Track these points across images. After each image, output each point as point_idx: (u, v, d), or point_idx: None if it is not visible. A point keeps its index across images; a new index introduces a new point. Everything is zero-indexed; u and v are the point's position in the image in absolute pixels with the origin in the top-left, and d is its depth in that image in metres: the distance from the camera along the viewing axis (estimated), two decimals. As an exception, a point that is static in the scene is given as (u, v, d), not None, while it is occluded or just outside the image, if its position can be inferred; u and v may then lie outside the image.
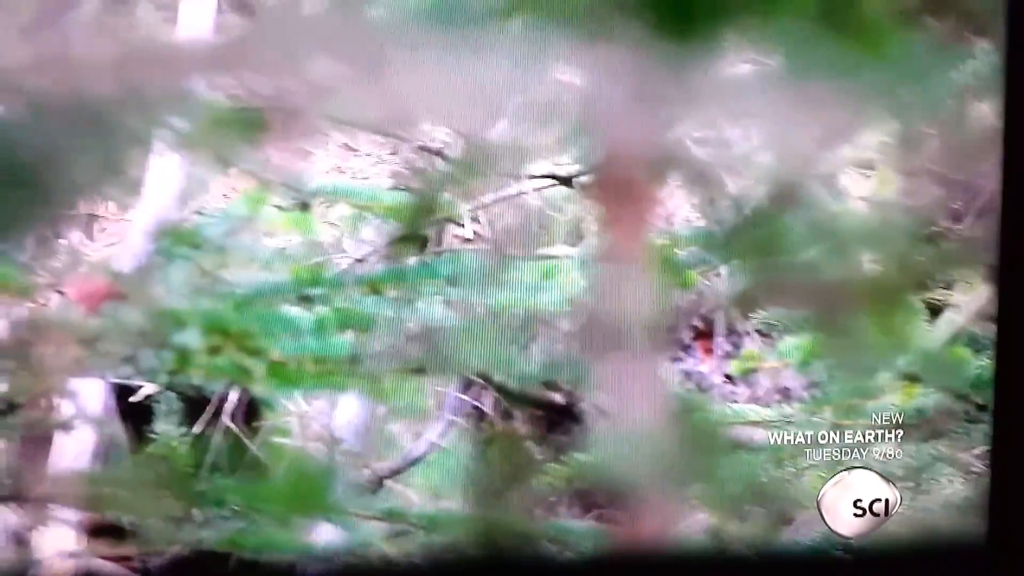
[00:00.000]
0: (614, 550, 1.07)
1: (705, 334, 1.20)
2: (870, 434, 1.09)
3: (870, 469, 1.09)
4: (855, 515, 1.11)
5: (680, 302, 1.00)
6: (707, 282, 1.05)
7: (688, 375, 1.20)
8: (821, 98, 0.78)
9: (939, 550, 1.09)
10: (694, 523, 1.09)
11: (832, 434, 1.08)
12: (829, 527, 1.11)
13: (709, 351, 1.20)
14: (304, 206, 1.09)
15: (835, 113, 0.79)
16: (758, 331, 1.15)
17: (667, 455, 0.98)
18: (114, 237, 1.10)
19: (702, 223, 1.01)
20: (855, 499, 1.11)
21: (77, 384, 1.06)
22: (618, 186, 0.80)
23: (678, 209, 1.01)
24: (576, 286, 1.01)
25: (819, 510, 1.11)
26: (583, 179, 1.02)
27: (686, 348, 1.20)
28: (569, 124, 0.86)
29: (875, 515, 1.11)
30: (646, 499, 1.02)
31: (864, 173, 1.03)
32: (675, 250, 0.99)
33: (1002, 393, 0.98)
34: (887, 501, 1.11)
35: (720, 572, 1.07)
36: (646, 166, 0.81)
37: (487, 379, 1.19)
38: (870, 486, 1.11)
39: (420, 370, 1.08)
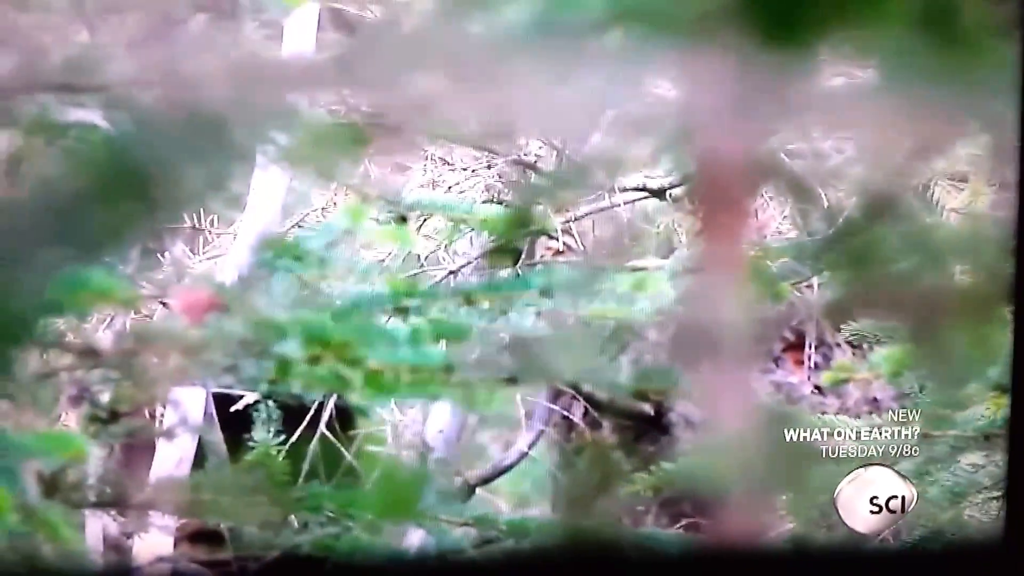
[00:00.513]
0: (700, 558, 1.07)
1: (796, 346, 1.19)
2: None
3: (887, 466, 1.07)
4: (871, 512, 1.10)
5: (772, 314, 1.00)
6: (798, 294, 1.05)
7: (778, 386, 1.19)
8: (915, 110, 0.78)
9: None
10: (781, 532, 1.09)
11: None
12: (845, 524, 1.11)
13: (800, 363, 1.19)
14: (402, 219, 1.10)
15: (929, 125, 0.79)
16: (848, 343, 1.15)
17: (756, 465, 0.97)
18: (217, 250, 1.13)
19: (794, 235, 1.01)
20: (871, 496, 1.10)
21: (179, 393, 1.09)
22: (711, 197, 0.80)
23: (771, 221, 1.01)
24: (667, 297, 1.02)
25: (835, 507, 1.10)
26: (675, 191, 1.03)
27: (776, 360, 1.20)
28: (662, 137, 0.87)
29: (891, 512, 1.10)
30: (733, 509, 1.02)
31: (956, 185, 1.02)
32: (767, 262, 0.99)
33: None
34: (903, 498, 1.10)
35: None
36: (740, 178, 0.81)
37: (577, 389, 1.20)
38: (887, 483, 1.10)
39: (512, 380, 1.09)
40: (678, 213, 1.05)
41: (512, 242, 1.12)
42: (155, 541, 1.14)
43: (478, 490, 1.29)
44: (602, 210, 1.07)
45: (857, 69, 0.81)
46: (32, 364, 0.99)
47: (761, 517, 0.97)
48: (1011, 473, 1.00)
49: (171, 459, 1.13)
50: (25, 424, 1.01)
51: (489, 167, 1.09)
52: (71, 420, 1.09)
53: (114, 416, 1.08)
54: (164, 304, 1.06)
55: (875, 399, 1.18)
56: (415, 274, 1.11)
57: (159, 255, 1.11)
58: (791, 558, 1.03)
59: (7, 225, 0.92)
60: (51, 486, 1.06)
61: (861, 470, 1.08)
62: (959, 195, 1.02)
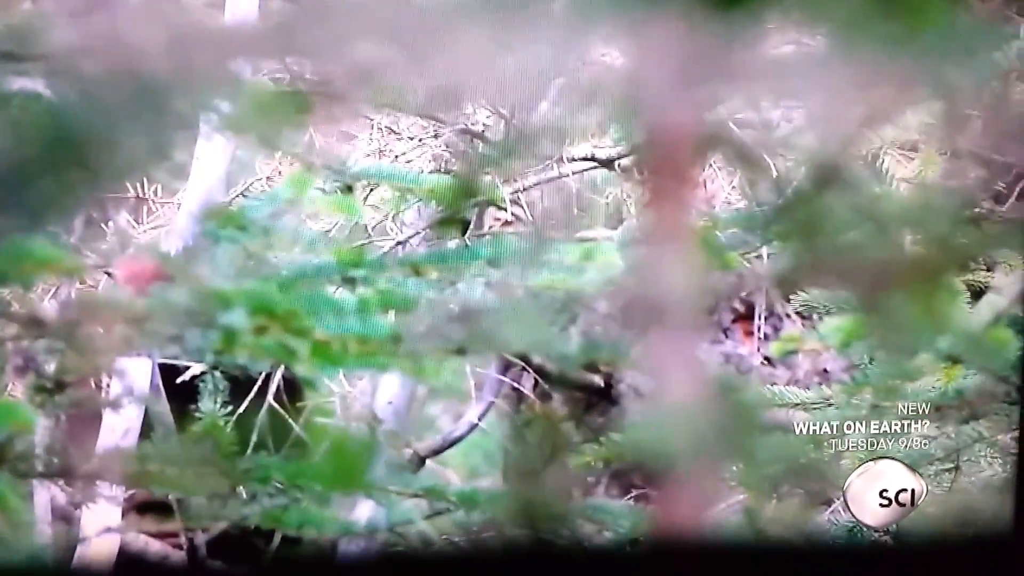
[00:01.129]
0: (651, 530, 1.06)
1: (745, 316, 1.18)
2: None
3: (896, 459, 1.07)
4: (881, 505, 1.10)
5: (720, 284, 0.99)
6: (747, 264, 1.03)
7: (727, 357, 1.18)
8: (864, 79, 0.76)
9: (973, 530, 1.07)
10: (731, 504, 1.08)
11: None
12: (855, 517, 1.10)
13: (749, 333, 1.18)
14: (348, 189, 1.08)
15: (878, 94, 0.78)
16: (798, 313, 1.14)
17: (706, 436, 0.96)
18: (161, 219, 1.10)
19: (743, 205, 0.99)
20: (881, 489, 1.10)
21: (125, 363, 1.06)
22: (659, 167, 0.78)
23: (719, 191, 0.99)
24: (616, 268, 1.00)
25: (844, 500, 1.09)
26: (623, 161, 1.01)
27: (726, 331, 1.18)
28: (610, 106, 0.85)
29: (901, 505, 1.10)
30: (684, 480, 1.01)
31: (907, 155, 1.01)
32: (716, 232, 0.97)
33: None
34: (913, 491, 1.09)
35: (756, 554, 1.06)
36: (688, 147, 0.79)
37: (526, 361, 1.18)
38: (896, 476, 1.10)
39: (461, 351, 1.07)
40: (627, 183, 1.04)
41: (460, 213, 1.09)
42: (103, 512, 1.12)
43: (428, 462, 1.27)
44: (550, 180, 1.05)
45: (806, 36, 0.79)
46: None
47: (710, 488, 0.96)
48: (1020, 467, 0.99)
49: (118, 430, 1.10)
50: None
51: (436, 136, 1.06)
52: (17, 390, 1.06)
53: (60, 386, 1.05)
54: (108, 274, 1.03)
55: (825, 370, 1.17)
56: (362, 245, 1.08)
57: (103, 225, 1.08)
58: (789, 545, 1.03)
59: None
60: (-2, 456, 1.04)
61: (871, 463, 1.07)
62: (909, 164, 1.01)
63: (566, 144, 1.01)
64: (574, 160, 1.03)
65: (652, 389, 0.98)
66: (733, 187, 0.97)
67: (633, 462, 1.12)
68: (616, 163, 1.02)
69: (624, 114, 0.84)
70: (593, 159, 1.03)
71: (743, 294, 1.10)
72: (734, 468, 1.02)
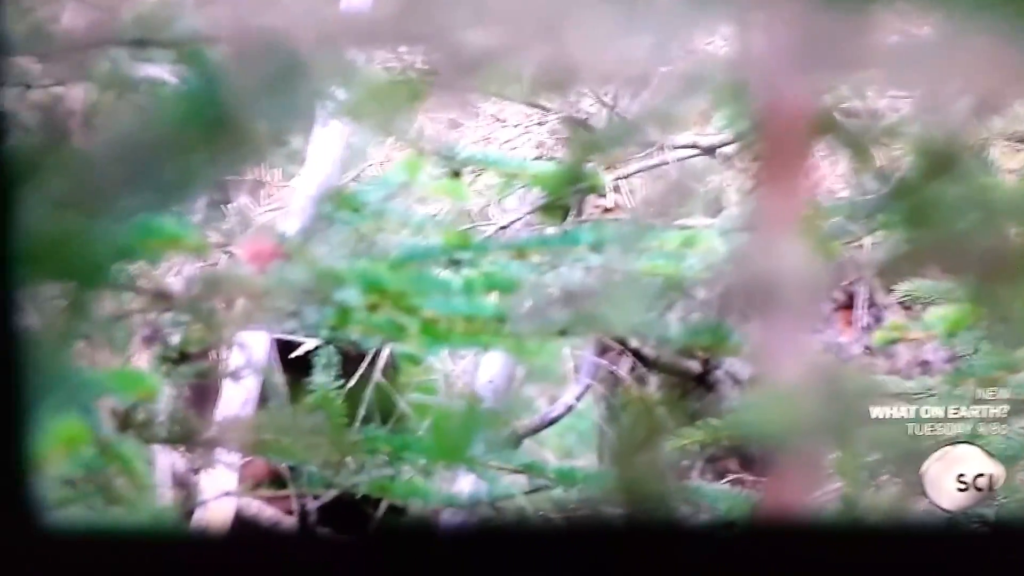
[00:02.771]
0: (749, 514, 1.04)
1: (846, 306, 1.15)
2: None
3: (974, 444, 1.04)
4: (959, 490, 1.07)
5: (822, 273, 0.96)
6: (850, 254, 1.01)
7: (828, 347, 1.15)
8: (974, 69, 0.74)
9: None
10: (829, 491, 1.06)
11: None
12: (932, 501, 1.07)
13: (850, 323, 1.15)
14: (455, 174, 1.08)
15: (988, 85, 0.75)
16: (900, 303, 1.10)
17: (804, 423, 0.94)
18: (278, 202, 1.11)
19: (846, 194, 0.96)
20: (959, 474, 1.07)
21: (245, 336, 1.07)
22: (770, 153, 0.76)
23: (824, 179, 0.97)
24: (716, 255, 0.98)
25: (922, 484, 1.06)
26: (726, 149, 0.99)
27: (827, 320, 1.16)
28: (715, 94, 0.83)
29: (979, 490, 1.07)
30: (781, 466, 0.98)
31: (1014, 146, 0.97)
32: (819, 220, 0.95)
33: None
34: (991, 476, 1.06)
35: (852, 540, 1.03)
36: (800, 133, 0.76)
37: (624, 344, 1.17)
38: (974, 461, 1.07)
39: (562, 333, 1.06)
40: (728, 171, 1.02)
41: (562, 199, 1.08)
42: (220, 477, 1.13)
43: (525, 440, 1.27)
44: (652, 168, 1.04)
45: (915, 25, 0.76)
46: (107, 306, 0.98)
47: (813, 474, 0.93)
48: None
49: (236, 399, 1.12)
50: (100, 363, 1.00)
51: (541, 124, 1.05)
52: (142, 360, 1.08)
53: (183, 357, 1.07)
54: (229, 253, 1.04)
55: (926, 361, 1.14)
56: (468, 228, 1.08)
57: (225, 206, 1.09)
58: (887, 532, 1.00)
59: (84, 175, 0.91)
60: (124, 422, 1.06)
61: (949, 447, 1.04)
62: (1017, 156, 0.98)
63: (669, 132, 0.99)
64: (676, 148, 1.02)
65: (749, 375, 0.96)
66: (838, 175, 0.94)
67: (731, 447, 1.10)
68: (719, 151, 1.00)
69: (731, 101, 0.82)
70: (695, 147, 1.01)
71: (845, 283, 1.07)
72: (834, 456, 1.00)
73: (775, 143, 0.73)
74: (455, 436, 1.14)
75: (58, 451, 0.96)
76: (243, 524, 1.22)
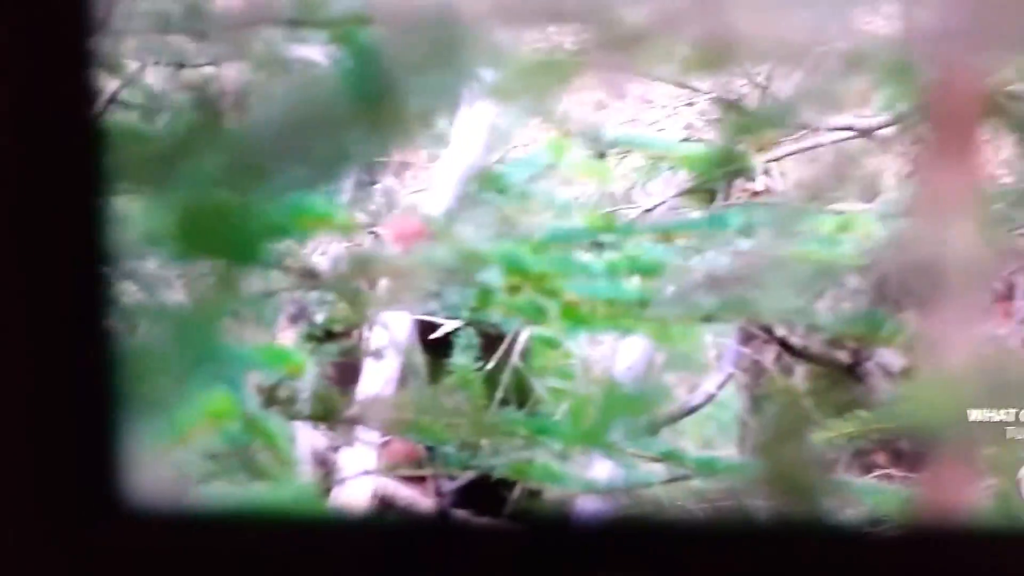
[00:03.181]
0: (902, 509, 1.01)
1: (1005, 297, 1.12)
2: None
3: None
4: None
5: (982, 262, 0.93)
6: (1012, 242, 0.97)
7: (985, 339, 1.12)
8: None
9: None
10: (982, 489, 1.03)
11: None
12: None
13: (1009, 314, 1.12)
14: (600, 156, 1.08)
15: None
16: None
17: (957, 418, 0.91)
18: (424, 183, 1.12)
19: (1010, 179, 0.93)
20: None
21: (388, 316, 1.09)
22: (928, 138, 0.74)
23: (986, 164, 0.94)
24: (871, 241, 0.96)
25: (1019, 490, 1.03)
26: (884, 132, 0.97)
27: (985, 311, 1.12)
28: (877, 74, 0.81)
29: None
30: (935, 461, 0.96)
31: None
32: (981, 207, 0.92)
33: None
34: None
35: (1005, 540, 1.00)
36: (961, 118, 0.75)
37: (770, 332, 1.16)
38: None
39: (707, 318, 1.05)
40: (886, 154, 0.99)
41: (709, 182, 1.08)
42: (360, 456, 1.16)
43: (663, 429, 1.26)
44: (804, 150, 1.02)
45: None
46: (256, 284, 1.01)
47: (972, 469, 0.91)
48: None
49: (378, 379, 1.14)
50: (249, 339, 1.03)
51: (690, 105, 1.05)
52: (287, 338, 1.11)
53: (328, 335, 1.09)
54: (375, 233, 1.06)
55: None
56: (612, 211, 1.08)
57: (371, 187, 1.12)
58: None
59: (237, 155, 0.94)
60: (269, 398, 1.09)
61: None
62: None
63: (825, 113, 0.97)
64: (832, 129, 1.00)
65: (911, 365, 0.94)
66: (1001, 161, 0.91)
67: (880, 440, 1.08)
68: (876, 133, 0.98)
69: (894, 81, 0.80)
70: (852, 129, 0.99)
71: (1006, 273, 1.03)
72: (987, 452, 0.97)
73: (941, 125, 0.72)
74: (593, 421, 1.14)
75: (205, 425, 0.99)
76: (382, 502, 1.25)
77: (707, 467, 1.14)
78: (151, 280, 1.03)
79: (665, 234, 1.04)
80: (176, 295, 1.04)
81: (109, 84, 1.08)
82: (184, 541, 0.79)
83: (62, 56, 0.71)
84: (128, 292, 1.06)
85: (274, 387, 1.10)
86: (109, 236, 0.79)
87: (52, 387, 0.75)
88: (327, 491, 1.18)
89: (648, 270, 1.03)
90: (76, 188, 0.78)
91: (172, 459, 0.96)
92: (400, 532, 0.84)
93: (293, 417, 1.12)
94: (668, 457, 1.15)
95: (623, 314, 1.04)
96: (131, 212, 0.97)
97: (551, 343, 1.25)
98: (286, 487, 1.09)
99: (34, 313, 0.75)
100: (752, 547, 0.84)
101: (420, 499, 1.23)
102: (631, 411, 1.18)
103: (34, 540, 0.77)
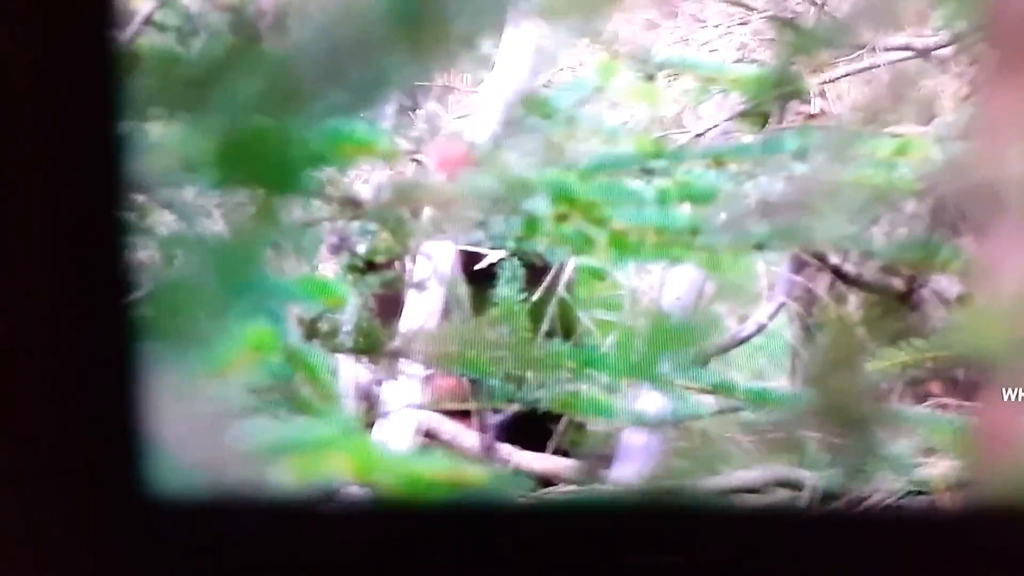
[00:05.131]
0: (956, 441, 1.04)
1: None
2: None
3: None
4: None
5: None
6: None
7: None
8: None
9: None
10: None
11: None
12: None
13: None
14: (651, 78, 1.10)
15: None
16: None
17: (1013, 345, 0.94)
18: (467, 108, 1.15)
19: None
20: None
21: (431, 246, 1.13)
22: (988, 58, 0.76)
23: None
24: (928, 165, 0.98)
25: None
26: (942, 52, 0.98)
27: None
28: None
29: None
30: (989, 390, 0.99)
31: None
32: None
33: None
34: None
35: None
36: (1017, 38, 0.77)
37: (823, 260, 1.18)
38: None
39: (759, 246, 1.08)
40: (944, 75, 1.01)
41: (762, 105, 1.10)
42: (404, 389, 1.20)
43: (713, 360, 1.30)
44: (860, 71, 1.04)
45: None
46: (296, 213, 1.04)
47: (1020, 400, 0.94)
48: None
49: (421, 310, 1.18)
50: (289, 270, 1.06)
51: (743, 24, 1.06)
52: (328, 269, 1.15)
53: (370, 266, 1.13)
54: (417, 161, 1.09)
55: None
56: (662, 135, 1.11)
57: (413, 113, 1.14)
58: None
59: (276, 78, 0.96)
60: (310, 331, 1.12)
61: None
62: None
63: (881, 32, 0.99)
64: (888, 50, 1.02)
65: (968, 291, 0.96)
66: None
67: (935, 369, 1.11)
68: (934, 53, 0.99)
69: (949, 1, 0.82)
70: (909, 48, 1.01)
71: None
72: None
73: (1001, 44, 0.74)
74: (641, 353, 1.17)
75: (246, 358, 1.03)
76: (427, 435, 1.29)
77: (759, 398, 1.17)
78: (189, 209, 1.07)
79: (717, 159, 1.06)
80: (215, 225, 1.08)
81: (143, 5, 1.10)
82: (210, 528, 0.82)
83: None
84: (165, 222, 1.10)
85: (315, 320, 1.14)
86: (128, 171, 0.82)
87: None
88: (370, 425, 1.22)
89: (700, 197, 1.06)
90: (100, 114, 0.81)
91: (212, 393, 1.00)
92: (426, 516, 0.87)
93: (335, 350, 1.16)
94: (719, 388, 1.18)
95: (673, 243, 1.07)
96: (167, 139, 1.00)
97: (597, 274, 1.28)
98: (329, 421, 1.14)
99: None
100: (784, 530, 0.87)
101: (464, 433, 1.28)
102: (680, 342, 1.21)
103: (57, 524, 0.81)
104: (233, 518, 0.85)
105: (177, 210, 1.07)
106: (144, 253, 1.14)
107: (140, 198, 0.92)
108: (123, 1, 0.90)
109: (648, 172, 1.07)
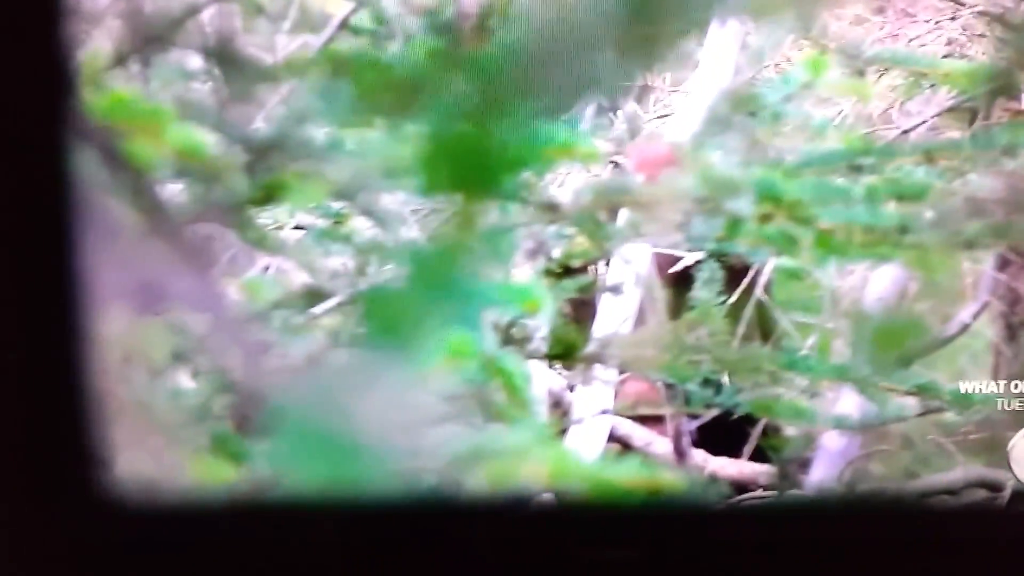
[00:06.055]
0: None
1: None
2: None
3: None
4: None
5: None
6: None
7: None
8: None
9: None
10: None
11: None
12: (1018, 479, 1.04)
13: None
14: (860, 73, 1.10)
15: None
16: None
17: None
18: (668, 107, 1.16)
19: None
20: None
21: (628, 250, 1.14)
22: None
23: None
24: None
25: (1008, 462, 1.03)
26: None
27: None
28: None
29: None
30: None
31: None
32: None
33: None
34: None
35: None
36: None
37: (1033, 257, 1.16)
38: None
39: (968, 245, 1.07)
40: None
41: (971, 100, 1.09)
42: (596, 395, 1.21)
43: (915, 361, 1.28)
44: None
45: None
46: (496, 218, 1.06)
47: None
48: None
49: (616, 315, 1.19)
50: (486, 275, 1.09)
51: (953, 19, 1.06)
52: (522, 274, 1.17)
53: (566, 271, 1.14)
54: (615, 163, 1.11)
55: None
56: (870, 132, 1.10)
57: (613, 114, 1.16)
58: None
59: (477, 80, 0.99)
60: (505, 337, 1.15)
61: None
62: None
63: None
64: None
65: None
66: None
67: None
68: None
69: None
70: None
71: None
72: None
73: None
74: (843, 356, 1.17)
75: (445, 365, 1.06)
76: (619, 442, 1.31)
77: (963, 400, 1.16)
78: (389, 216, 1.10)
79: (927, 155, 1.06)
80: (412, 231, 1.11)
81: (340, 8, 1.14)
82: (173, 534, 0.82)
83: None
84: (365, 229, 1.13)
85: (510, 325, 1.16)
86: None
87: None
88: (563, 432, 1.23)
89: (910, 194, 1.05)
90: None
91: (412, 400, 1.03)
92: (410, 514, 0.87)
93: (530, 356, 1.18)
94: (923, 390, 1.17)
95: (881, 241, 1.07)
96: (366, 145, 1.03)
97: (796, 274, 1.28)
98: (523, 428, 1.16)
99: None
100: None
101: (657, 439, 1.29)
102: (884, 344, 1.20)
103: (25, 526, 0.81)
104: (200, 524, 0.85)
105: (376, 217, 1.10)
106: (342, 260, 1.18)
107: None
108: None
109: (856, 169, 1.06)
